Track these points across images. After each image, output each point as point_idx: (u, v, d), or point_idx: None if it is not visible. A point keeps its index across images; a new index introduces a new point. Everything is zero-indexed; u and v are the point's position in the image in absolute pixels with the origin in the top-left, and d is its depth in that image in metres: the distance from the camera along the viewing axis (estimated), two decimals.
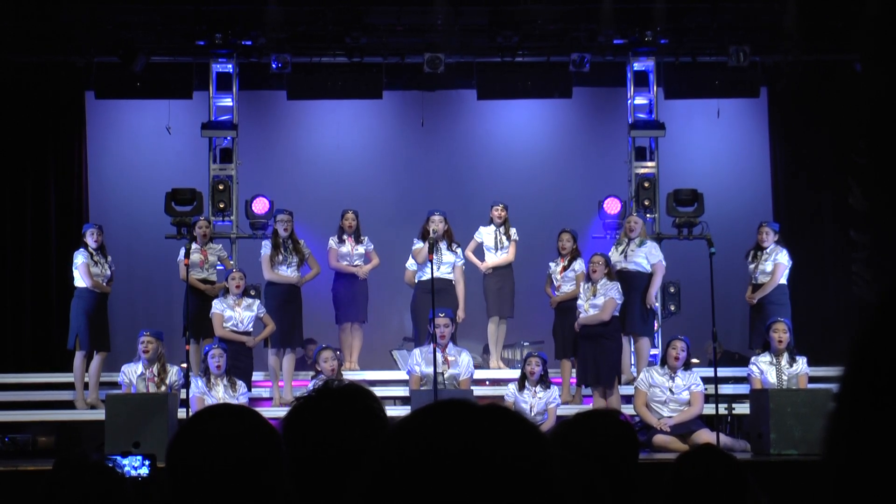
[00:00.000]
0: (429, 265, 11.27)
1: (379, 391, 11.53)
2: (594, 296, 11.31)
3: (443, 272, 11.95)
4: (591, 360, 11.24)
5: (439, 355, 10.86)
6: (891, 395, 1.04)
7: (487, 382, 12.25)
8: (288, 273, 11.93)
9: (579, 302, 11.44)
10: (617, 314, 11.38)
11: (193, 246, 11.77)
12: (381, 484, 1.20)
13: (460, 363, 11.11)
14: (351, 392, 2.51)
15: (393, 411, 11.14)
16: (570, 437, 3.13)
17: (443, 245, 12.00)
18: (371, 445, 2.33)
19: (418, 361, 11.19)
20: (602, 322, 11.24)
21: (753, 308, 11.99)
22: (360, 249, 12.41)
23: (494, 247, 12.44)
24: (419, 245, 11.93)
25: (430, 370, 10.73)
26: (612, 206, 13.58)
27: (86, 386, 11.68)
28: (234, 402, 10.55)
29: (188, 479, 2.22)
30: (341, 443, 2.37)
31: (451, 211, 12.38)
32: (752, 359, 11.25)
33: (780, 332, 10.95)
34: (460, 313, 12.05)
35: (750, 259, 12.03)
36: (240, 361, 11.34)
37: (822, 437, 1.10)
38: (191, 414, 10.16)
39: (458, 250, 12.21)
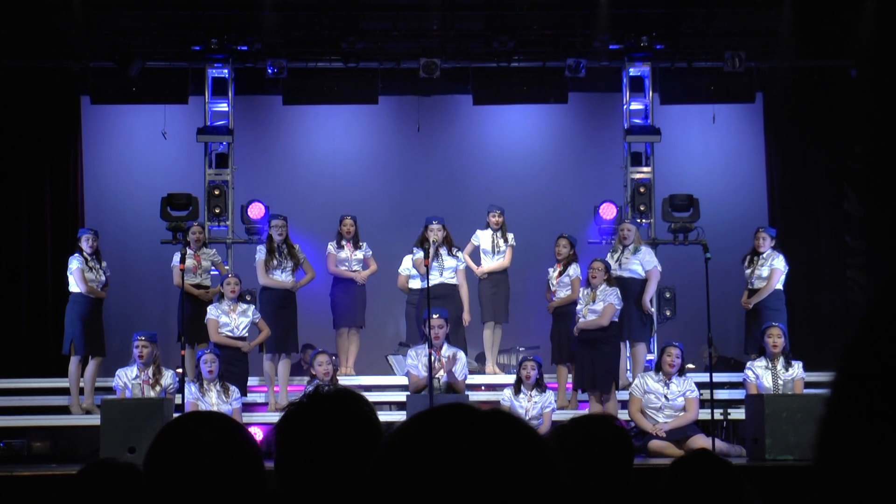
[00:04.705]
0: (429, 272, 11.26)
1: (375, 396, 11.59)
2: (593, 301, 11.30)
3: (446, 277, 11.97)
4: (588, 364, 11.24)
5: (434, 358, 10.86)
6: (882, 400, 1.04)
7: (483, 387, 12.25)
8: (283, 278, 11.93)
9: (578, 307, 11.44)
10: (616, 320, 11.37)
11: (187, 251, 11.77)
12: (384, 488, 1.21)
13: (446, 366, 11.11)
14: (342, 396, 2.52)
15: (388, 416, 11.15)
16: (566, 442, 3.14)
17: (443, 251, 12.00)
18: (367, 450, 2.35)
19: (414, 362, 11.16)
20: (601, 327, 11.23)
21: (749, 313, 11.99)
22: (359, 255, 12.41)
23: (492, 251, 12.45)
24: (420, 254, 11.89)
25: (428, 370, 10.73)
26: (608, 211, 13.59)
27: (81, 391, 11.66)
28: (227, 407, 10.59)
29: (165, 483, 2.24)
30: (333, 447, 2.38)
31: (448, 216, 12.38)
32: (748, 364, 11.25)
33: (775, 337, 10.96)
34: (465, 316, 12.07)
35: (746, 264, 12.04)
36: (235, 367, 11.32)
37: (814, 441, 1.10)
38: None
39: (459, 254, 12.22)
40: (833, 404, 1.09)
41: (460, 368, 11.15)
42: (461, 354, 11.27)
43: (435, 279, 11.44)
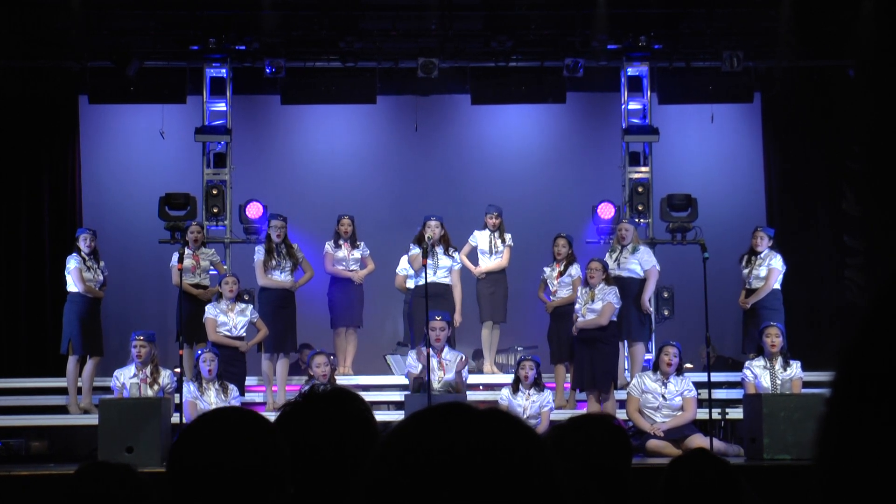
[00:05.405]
0: (425, 270, 11.26)
1: (373, 396, 11.58)
2: (592, 301, 11.30)
3: (440, 276, 11.96)
4: (587, 364, 11.24)
5: (433, 360, 10.85)
6: (882, 400, 1.04)
7: (481, 387, 12.25)
8: (281, 278, 11.93)
9: (577, 307, 11.43)
10: (615, 319, 11.38)
11: (186, 251, 11.77)
12: (382, 487, 1.20)
13: (456, 367, 11.12)
14: (338, 396, 2.52)
15: (386, 416, 11.15)
16: (564, 441, 3.13)
17: (439, 250, 12.00)
18: (363, 449, 2.34)
19: (413, 363, 11.18)
20: (600, 327, 11.23)
21: (747, 313, 12.00)
22: (356, 254, 12.42)
23: (489, 251, 12.45)
24: (415, 251, 11.90)
25: (426, 372, 10.73)
26: (606, 211, 13.59)
27: (79, 391, 11.66)
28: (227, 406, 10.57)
29: (190, 480, 2.21)
30: (329, 446, 2.37)
31: (446, 216, 12.38)
32: (747, 363, 11.26)
33: (773, 337, 10.97)
34: (457, 317, 12.06)
35: (744, 264, 12.04)
36: (233, 366, 11.33)
37: (814, 441, 1.10)
38: (184, 418, 10.16)
39: (455, 255, 12.22)
40: (833, 404, 1.09)
41: (466, 373, 11.22)
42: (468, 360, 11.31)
43: (428, 278, 11.40)
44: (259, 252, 12.00)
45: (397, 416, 11.19)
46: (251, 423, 2.30)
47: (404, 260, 12.36)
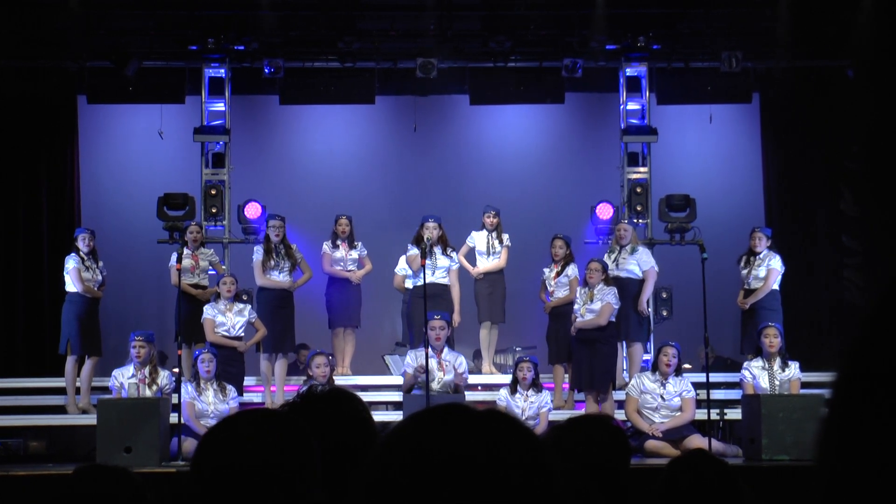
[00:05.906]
0: (423, 270, 11.27)
1: (371, 396, 11.59)
2: (591, 301, 11.30)
3: (438, 277, 11.96)
4: (586, 364, 11.24)
5: (433, 360, 10.85)
6: (883, 400, 1.04)
7: (480, 387, 12.25)
8: (280, 278, 11.92)
9: (576, 307, 11.43)
10: (613, 319, 11.37)
11: (185, 251, 11.77)
12: (380, 488, 1.20)
13: (455, 368, 11.12)
14: (335, 396, 2.51)
15: (385, 416, 11.15)
16: (563, 442, 3.13)
17: (437, 250, 12.00)
18: (361, 449, 2.34)
19: (410, 363, 11.18)
20: (599, 327, 11.23)
21: (745, 313, 12.00)
22: (354, 254, 12.42)
23: (487, 251, 12.45)
24: (413, 251, 11.91)
25: (426, 372, 10.72)
26: (605, 211, 13.59)
27: (78, 391, 11.65)
28: (225, 406, 10.59)
29: (215, 480, 2.20)
30: (327, 447, 2.36)
31: (444, 216, 12.38)
32: (745, 364, 11.27)
33: (772, 337, 10.97)
34: (456, 317, 12.06)
35: (743, 264, 12.05)
36: (231, 366, 11.33)
37: (815, 441, 1.10)
38: (183, 419, 10.16)
39: (453, 255, 12.22)
40: (834, 404, 1.08)
41: (465, 378, 11.22)
42: (464, 364, 11.27)
43: (426, 278, 11.40)
44: (258, 252, 12.00)
45: (396, 416, 11.19)
46: (282, 423, 2.28)
47: (403, 260, 12.37)
